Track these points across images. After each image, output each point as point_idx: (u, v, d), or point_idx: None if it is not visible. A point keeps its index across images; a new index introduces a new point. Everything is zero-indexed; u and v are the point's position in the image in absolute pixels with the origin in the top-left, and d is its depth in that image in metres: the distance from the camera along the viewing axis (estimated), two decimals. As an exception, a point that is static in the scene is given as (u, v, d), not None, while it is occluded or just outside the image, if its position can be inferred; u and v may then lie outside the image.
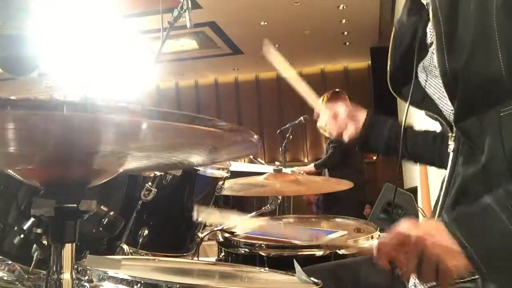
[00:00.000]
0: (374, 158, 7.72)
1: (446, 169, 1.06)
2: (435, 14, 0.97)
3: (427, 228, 0.89)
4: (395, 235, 0.90)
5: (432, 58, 1.05)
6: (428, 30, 1.06)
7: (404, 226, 0.90)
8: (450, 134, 1.03)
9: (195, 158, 0.73)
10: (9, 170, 0.70)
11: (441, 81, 1.00)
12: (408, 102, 1.11)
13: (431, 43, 1.02)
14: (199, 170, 1.50)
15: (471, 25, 0.92)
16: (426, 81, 1.09)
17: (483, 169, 0.93)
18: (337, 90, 4.45)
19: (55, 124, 0.53)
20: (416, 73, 1.12)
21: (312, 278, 1.01)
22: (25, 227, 0.84)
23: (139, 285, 0.85)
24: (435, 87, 1.06)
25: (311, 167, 4.58)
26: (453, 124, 1.00)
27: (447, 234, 0.85)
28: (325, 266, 1.18)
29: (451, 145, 1.03)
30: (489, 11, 0.88)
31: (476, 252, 0.83)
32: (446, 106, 1.02)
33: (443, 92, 1.01)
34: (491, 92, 0.90)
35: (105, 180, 0.73)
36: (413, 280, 1.03)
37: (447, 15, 0.95)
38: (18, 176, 0.70)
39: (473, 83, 0.92)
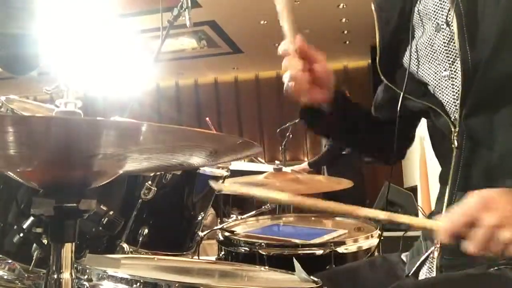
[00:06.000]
0: (374, 157, 7.70)
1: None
2: (455, 2, 0.93)
3: (503, 208, 0.74)
4: (463, 216, 0.76)
5: (432, 41, 1.00)
6: (430, 7, 1.00)
7: (472, 204, 0.76)
8: (452, 130, 0.98)
9: (196, 160, 0.73)
10: (8, 172, 0.70)
11: (442, 70, 0.97)
12: (402, 92, 1.04)
13: (450, 25, 0.96)
14: (199, 169, 1.50)
15: (497, 17, 0.88)
16: (417, 67, 1.03)
17: (492, 166, 0.92)
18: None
19: (55, 127, 0.54)
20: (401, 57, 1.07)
21: (312, 277, 1.01)
22: (25, 226, 0.84)
23: (138, 284, 0.85)
24: (434, 76, 1.00)
25: (305, 165, 4.69)
26: (455, 119, 0.97)
27: None
28: (324, 274, 1.14)
29: (455, 141, 0.97)
30: None
31: None
32: (447, 98, 0.97)
33: (441, 82, 0.98)
34: (509, 89, 0.89)
35: (105, 182, 0.73)
36: (425, 269, 1.01)
37: (468, 4, 0.92)
38: (17, 178, 0.70)
39: (493, 79, 0.90)
